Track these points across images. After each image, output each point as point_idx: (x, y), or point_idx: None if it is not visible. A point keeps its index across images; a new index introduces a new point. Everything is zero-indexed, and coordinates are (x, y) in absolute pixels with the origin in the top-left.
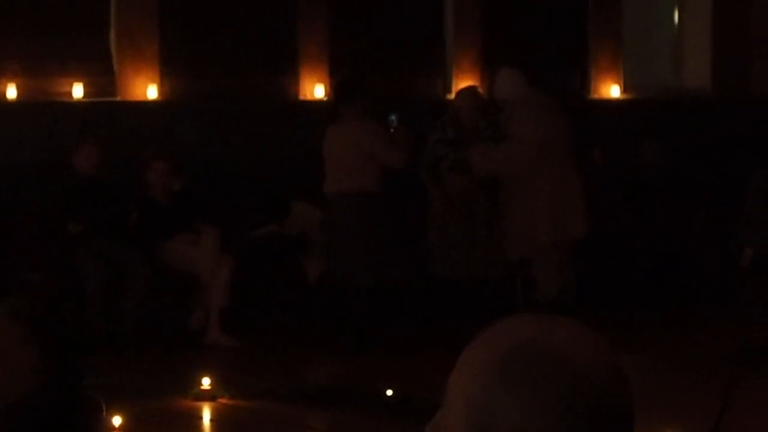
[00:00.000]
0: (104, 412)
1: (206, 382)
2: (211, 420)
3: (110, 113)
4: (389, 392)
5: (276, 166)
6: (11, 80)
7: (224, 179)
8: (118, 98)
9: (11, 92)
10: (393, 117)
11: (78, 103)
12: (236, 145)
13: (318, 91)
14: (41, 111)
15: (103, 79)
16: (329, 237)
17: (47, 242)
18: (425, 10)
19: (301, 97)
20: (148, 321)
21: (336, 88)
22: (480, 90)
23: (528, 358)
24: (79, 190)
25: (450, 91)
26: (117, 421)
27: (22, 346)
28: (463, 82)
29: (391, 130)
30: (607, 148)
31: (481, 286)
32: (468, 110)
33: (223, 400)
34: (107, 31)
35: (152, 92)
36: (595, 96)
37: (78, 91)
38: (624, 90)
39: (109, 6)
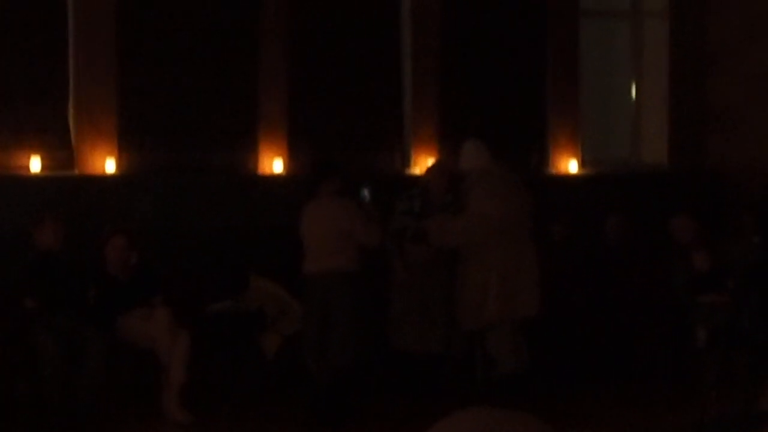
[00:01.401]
0: None
1: None
2: None
3: (68, 187)
4: None
5: (234, 239)
6: None
7: (182, 253)
8: (76, 172)
9: None
10: (365, 192)
11: (36, 177)
12: (194, 219)
13: (276, 165)
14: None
15: (61, 152)
16: (306, 315)
17: (2, 317)
18: (384, 85)
19: (260, 172)
20: (104, 396)
21: (314, 165)
22: (448, 164)
23: None
24: (37, 265)
25: (409, 165)
26: None
27: None
28: (422, 156)
29: (363, 206)
30: (567, 223)
31: (441, 359)
32: (436, 184)
33: None
34: (65, 104)
35: (110, 166)
36: (554, 171)
37: (35, 164)
38: (582, 165)
39: (68, 78)
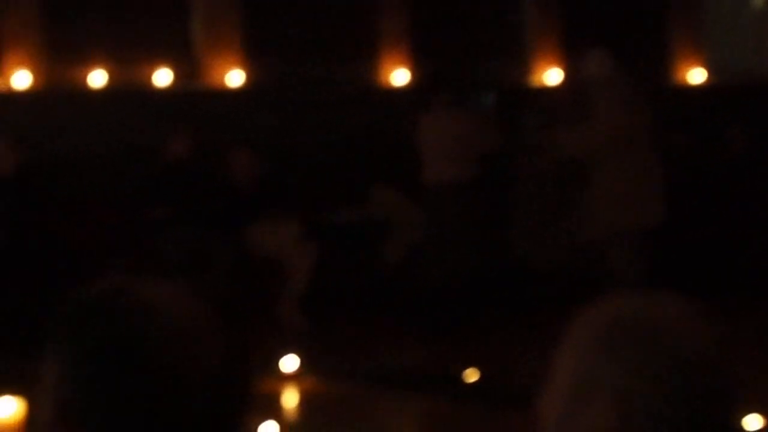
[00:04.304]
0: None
1: (290, 365)
2: (294, 400)
3: (193, 100)
4: (469, 376)
5: (357, 151)
6: (96, 68)
7: (305, 165)
8: (201, 85)
9: (96, 80)
10: (486, 101)
11: (161, 91)
12: (318, 130)
13: (399, 77)
14: (125, 98)
15: (186, 66)
16: (427, 225)
17: (133, 228)
18: None
19: (382, 84)
20: (229, 305)
21: (429, 77)
22: (572, 73)
23: (634, 327)
24: (165, 176)
25: (530, 75)
26: None
27: (211, 324)
28: (543, 65)
29: (484, 113)
30: (688, 134)
31: (561, 271)
32: (560, 94)
33: (306, 382)
34: (189, 18)
35: (235, 79)
36: (677, 80)
37: (161, 78)
38: (707, 74)
39: None
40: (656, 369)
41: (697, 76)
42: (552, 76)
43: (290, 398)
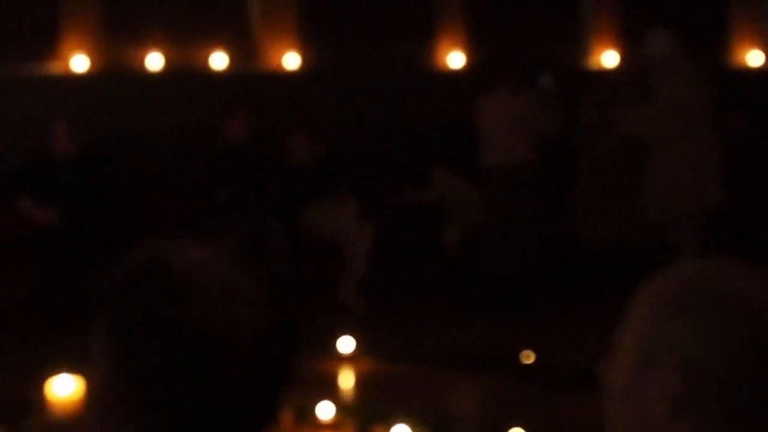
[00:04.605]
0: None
1: (347, 345)
2: (352, 382)
3: (250, 82)
4: (528, 357)
5: (415, 134)
6: (153, 51)
7: (363, 147)
8: (258, 67)
9: (155, 62)
10: (545, 82)
11: (218, 73)
12: (376, 112)
13: (455, 59)
14: (183, 80)
15: (243, 48)
16: (486, 207)
17: (192, 210)
18: None
19: (439, 66)
20: (287, 286)
21: (488, 59)
22: (634, 53)
23: (704, 292)
24: (224, 157)
25: (588, 56)
26: None
27: (253, 285)
28: (601, 46)
29: (543, 94)
30: (747, 116)
31: (621, 253)
32: (621, 74)
33: (364, 363)
34: (247, 1)
35: (292, 61)
36: (736, 63)
37: (219, 60)
38: (765, 57)
39: None
40: (728, 336)
41: (756, 58)
42: (610, 57)
43: (347, 379)
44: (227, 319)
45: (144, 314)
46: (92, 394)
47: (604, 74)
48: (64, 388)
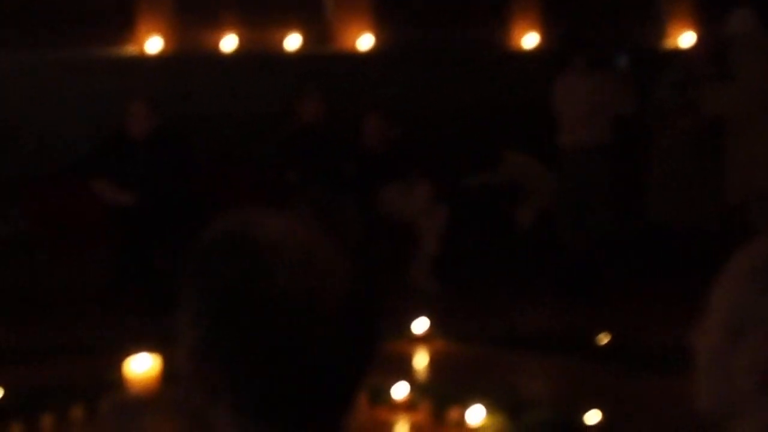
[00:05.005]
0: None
1: (421, 326)
2: (426, 363)
3: (324, 64)
4: (603, 339)
5: (489, 115)
6: (227, 32)
7: (437, 128)
8: (332, 48)
9: (229, 43)
10: (620, 63)
11: (292, 54)
12: (449, 94)
13: (530, 40)
14: (257, 62)
15: (316, 29)
16: (560, 189)
17: (264, 191)
18: None
19: (513, 47)
20: (359, 267)
21: (564, 39)
22: (711, 32)
23: None
24: (297, 139)
25: (664, 36)
26: None
27: (336, 257)
28: (678, 27)
29: (619, 75)
30: None
31: (699, 232)
32: (699, 53)
33: (438, 344)
34: None
35: (365, 42)
36: None
37: (292, 41)
38: None
39: None
40: None
41: None
42: (687, 37)
43: (421, 360)
44: (311, 288)
45: (228, 285)
46: (179, 366)
47: (681, 55)
48: (142, 366)
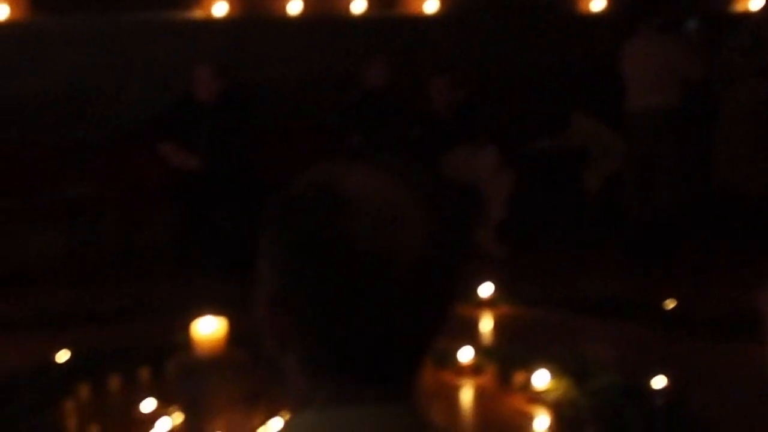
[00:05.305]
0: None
1: (486, 290)
2: (491, 327)
3: (391, 27)
4: (669, 304)
5: (556, 78)
6: None
7: (504, 92)
8: (398, 12)
9: (294, 7)
10: (689, 27)
11: (358, 18)
12: (515, 57)
13: (597, 2)
14: (322, 25)
15: None
16: (628, 153)
17: (328, 155)
18: None
19: (581, 9)
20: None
21: (633, 2)
22: None
23: None
24: (362, 102)
25: (734, 2)
26: None
27: (417, 212)
28: None
29: (688, 38)
30: None
31: (766, 198)
32: (765, 19)
33: (503, 308)
34: None
35: (431, 5)
36: None
37: (358, 5)
38: None
39: None
40: None
41: None
42: (756, 1)
43: (486, 324)
44: (391, 243)
45: (308, 234)
46: (256, 313)
47: (750, 18)
48: (208, 328)
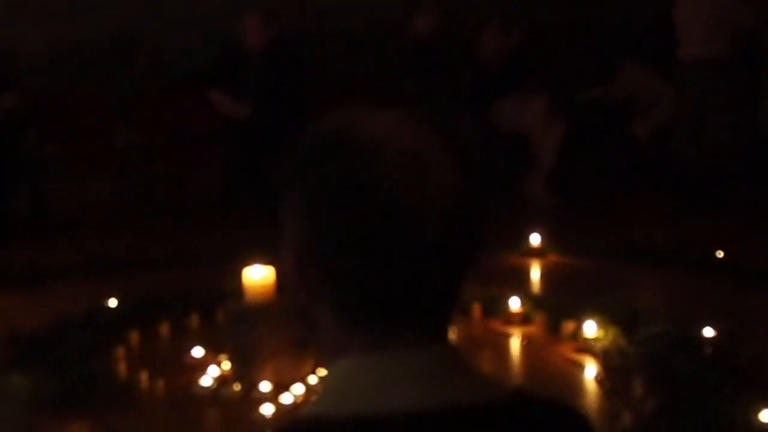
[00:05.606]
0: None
1: (535, 239)
2: (540, 276)
3: None
4: (719, 254)
5: (607, 27)
6: None
7: (555, 41)
8: None
9: None
10: None
11: None
12: (566, 8)
13: None
14: None
15: None
16: (679, 102)
17: (381, 103)
18: None
19: None
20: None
21: None
22: None
23: None
24: (413, 50)
25: None
26: None
27: (445, 159)
28: None
29: None
30: None
31: None
32: None
33: (552, 257)
34: None
35: None
36: None
37: None
38: None
39: None
40: None
41: None
42: None
43: (535, 273)
44: (416, 190)
45: (331, 182)
46: (285, 266)
47: None
48: (257, 276)
